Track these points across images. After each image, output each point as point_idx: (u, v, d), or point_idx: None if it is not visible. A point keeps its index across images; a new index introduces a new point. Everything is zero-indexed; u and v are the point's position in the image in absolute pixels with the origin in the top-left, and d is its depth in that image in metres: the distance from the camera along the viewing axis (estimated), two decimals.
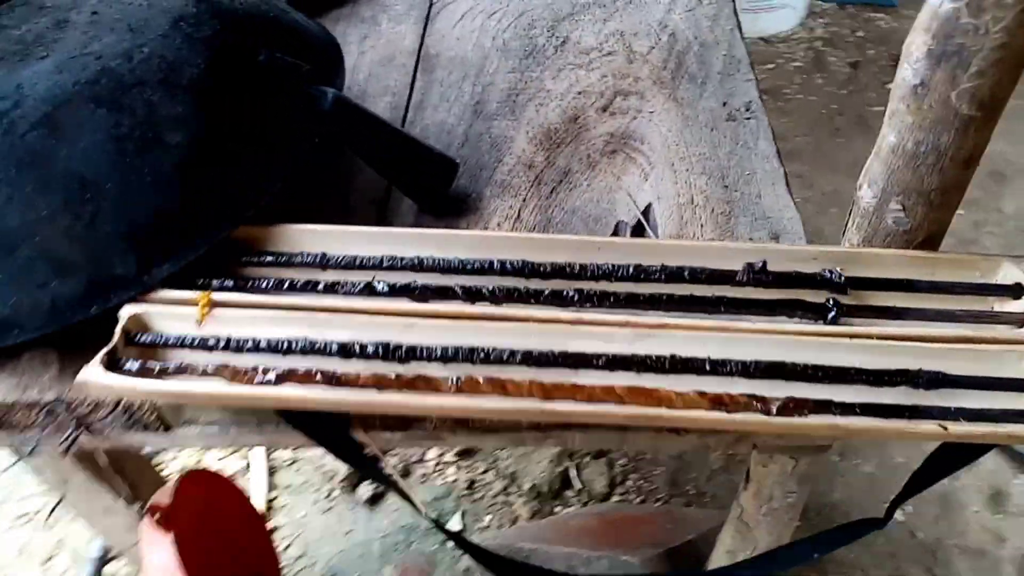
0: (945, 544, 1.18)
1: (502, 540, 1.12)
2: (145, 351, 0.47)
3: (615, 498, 1.31)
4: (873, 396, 0.44)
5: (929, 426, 0.41)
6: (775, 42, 2.04)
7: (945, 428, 0.41)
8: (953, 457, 0.51)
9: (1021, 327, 0.46)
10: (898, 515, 1.22)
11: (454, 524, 1.32)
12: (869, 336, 0.46)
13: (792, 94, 1.91)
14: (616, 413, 0.43)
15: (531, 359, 0.46)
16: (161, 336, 0.47)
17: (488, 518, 1.33)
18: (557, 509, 1.32)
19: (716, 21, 0.72)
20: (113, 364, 0.45)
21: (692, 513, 1.21)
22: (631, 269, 0.48)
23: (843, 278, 0.48)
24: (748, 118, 0.63)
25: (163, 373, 0.46)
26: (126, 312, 0.47)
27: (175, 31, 0.49)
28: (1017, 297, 0.47)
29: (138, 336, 0.47)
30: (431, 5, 0.77)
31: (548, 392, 0.44)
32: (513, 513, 1.33)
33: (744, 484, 0.75)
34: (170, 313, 0.48)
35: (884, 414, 0.43)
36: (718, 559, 0.90)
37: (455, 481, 1.36)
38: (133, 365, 0.45)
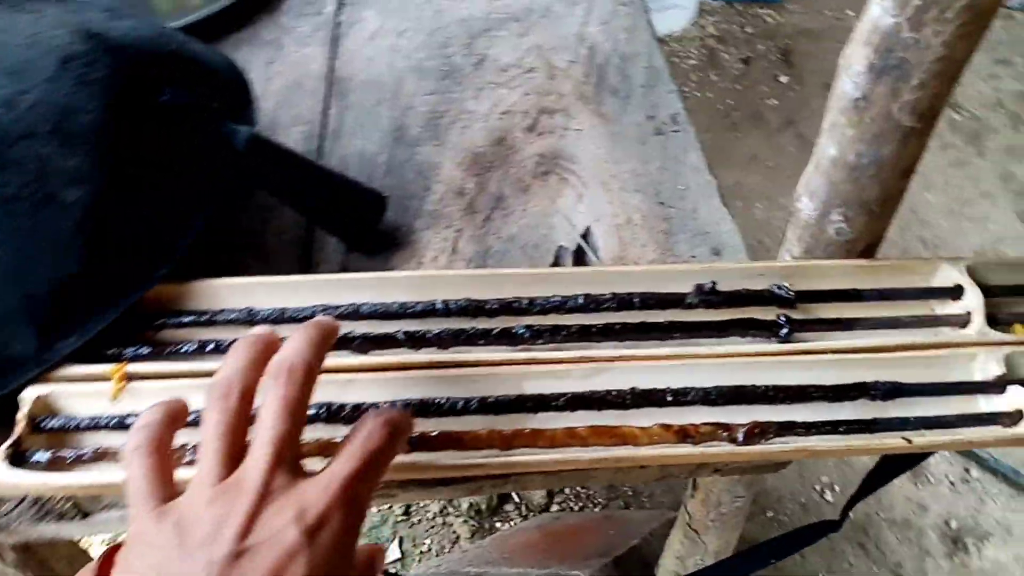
0: (874, 519, 1.23)
1: (447, 566, 1.09)
2: (54, 438, 0.42)
3: (554, 508, 1.30)
4: (833, 412, 0.44)
5: (893, 440, 0.41)
6: (669, 41, 2.08)
7: (909, 441, 0.41)
8: (902, 460, 0.51)
9: (963, 328, 0.47)
10: (828, 496, 1.26)
11: (392, 552, 1.28)
12: (823, 352, 0.45)
13: (689, 92, 1.95)
14: (582, 459, 0.41)
15: (486, 406, 0.43)
16: (72, 419, 0.42)
17: (428, 541, 1.30)
18: (498, 525, 1.29)
19: (633, 33, 0.71)
20: (18, 458, 0.40)
21: (633, 516, 1.21)
22: (580, 299, 0.47)
23: (792, 293, 0.47)
24: (675, 131, 0.62)
25: (78, 462, 0.41)
26: (29, 395, 0.42)
27: (64, 73, 0.44)
28: (956, 298, 0.48)
29: (45, 421, 0.42)
30: (337, 25, 0.73)
31: (508, 441, 0.42)
32: (453, 534, 1.30)
33: (691, 491, 0.75)
34: (80, 392, 0.43)
35: (847, 430, 0.42)
36: (667, 564, 0.90)
37: (390, 508, 1.32)
38: (42, 456, 0.40)
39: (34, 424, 0.41)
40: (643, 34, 0.71)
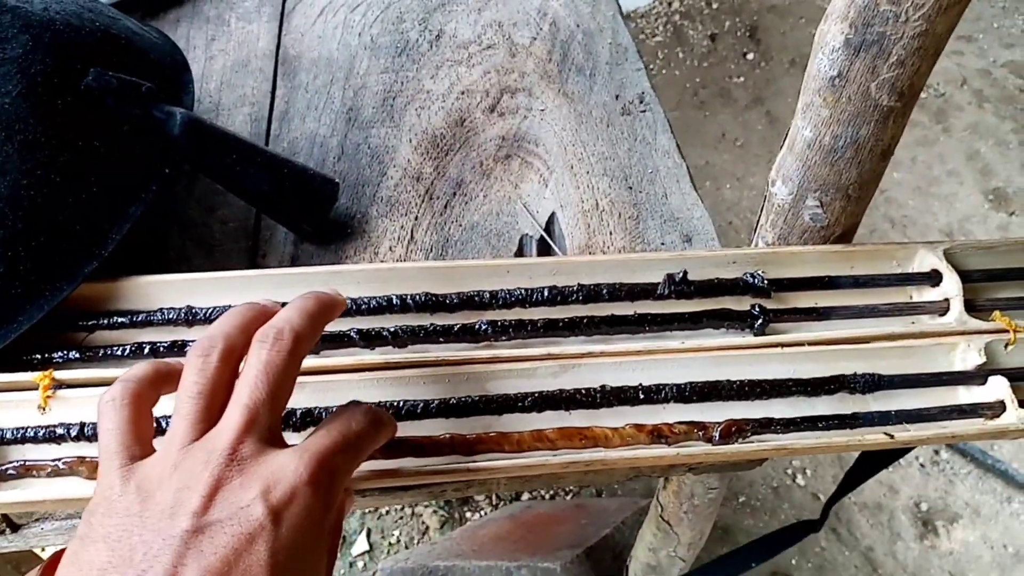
0: (845, 503, 1.23)
1: (414, 559, 1.06)
2: None
3: (525, 496, 1.28)
4: (812, 407, 0.42)
5: (875, 436, 0.40)
6: (635, 18, 2.05)
7: (891, 436, 0.39)
8: (884, 454, 0.50)
9: (943, 316, 0.45)
10: (799, 480, 1.26)
11: (360, 545, 1.26)
12: (800, 344, 0.43)
13: (656, 70, 1.93)
14: (552, 463, 0.38)
15: (447, 408, 0.40)
16: None
17: (396, 533, 1.27)
18: (468, 515, 1.27)
19: (596, 7, 0.68)
20: None
21: (604, 504, 1.20)
22: (546, 292, 0.44)
23: (766, 282, 0.45)
24: (643, 111, 0.60)
25: (1, 477, 0.38)
26: None
27: None
28: (935, 284, 0.46)
29: None
30: (284, 0, 0.69)
31: (472, 446, 0.39)
32: (422, 525, 1.28)
33: (663, 483, 0.73)
34: (3, 401, 0.40)
35: (826, 426, 0.40)
36: (639, 555, 0.89)
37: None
38: None
39: None
40: (607, 8, 0.68)
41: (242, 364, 0.32)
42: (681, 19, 2.04)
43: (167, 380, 0.32)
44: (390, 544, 1.26)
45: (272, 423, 0.30)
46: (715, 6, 2.05)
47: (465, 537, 1.14)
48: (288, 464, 0.29)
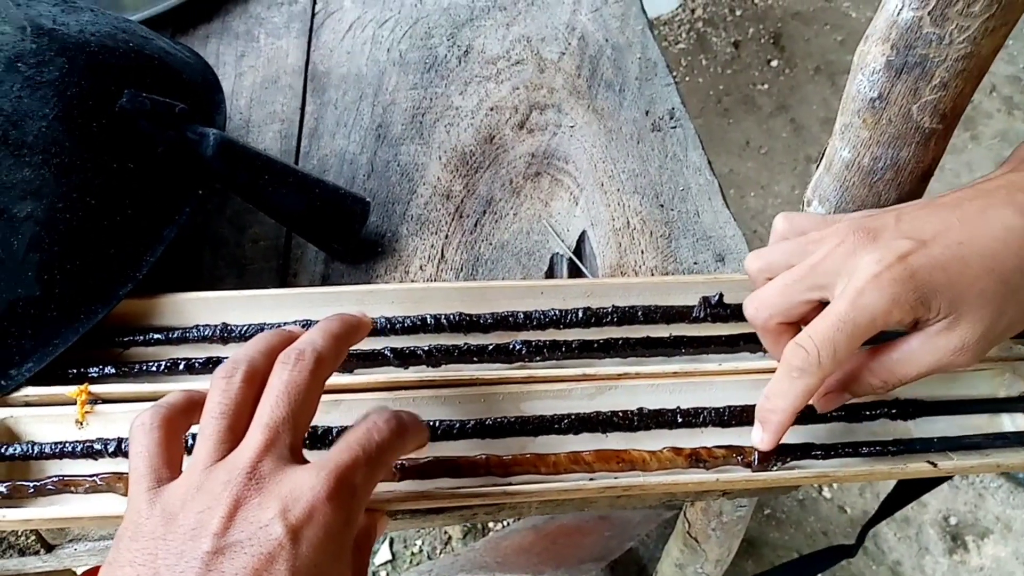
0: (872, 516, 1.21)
1: (437, 571, 1.06)
2: (14, 467, 0.39)
3: None
4: (852, 433, 0.41)
5: (918, 464, 0.39)
6: (658, 25, 2.04)
7: (935, 464, 0.38)
8: (922, 481, 0.49)
9: None
10: (826, 492, 1.24)
11: (383, 554, 1.25)
12: None
13: (680, 77, 1.92)
14: (590, 488, 0.38)
15: (483, 428, 0.40)
16: (33, 446, 0.39)
17: (419, 543, 1.27)
18: (491, 524, 1.27)
19: (625, 21, 0.67)
20: None
21: (628, 516, 1.19)
22: (580, 314, 0.44)
23: None
24: (674, 127, 0.59)
25: (40, 492, 0.38)
26: None
27: (12, 75, 0.40)
28: None
29: (3, 449, 0.39)
30: (313, 16, 0.69)
31: (507, 467, 0.39)
32: (445, 534, 1.27)
33: (691, 500, 0.72)
34: (42, 415, 0.40)
35: (868, 452, 0.40)
36: (665, 571, 0.88)
37: None
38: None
39: None
40: (636, 23, 0.67)
41: None
42: (704, 26, 2.02)
43: (199, 408, 0.32)
44: (412, 554, 1.26)
45: (293, 442, 0.30)
46: (739, 13, 2.04)
47: (488, 548, 1.13)
48: (306, 481, 0.29)
